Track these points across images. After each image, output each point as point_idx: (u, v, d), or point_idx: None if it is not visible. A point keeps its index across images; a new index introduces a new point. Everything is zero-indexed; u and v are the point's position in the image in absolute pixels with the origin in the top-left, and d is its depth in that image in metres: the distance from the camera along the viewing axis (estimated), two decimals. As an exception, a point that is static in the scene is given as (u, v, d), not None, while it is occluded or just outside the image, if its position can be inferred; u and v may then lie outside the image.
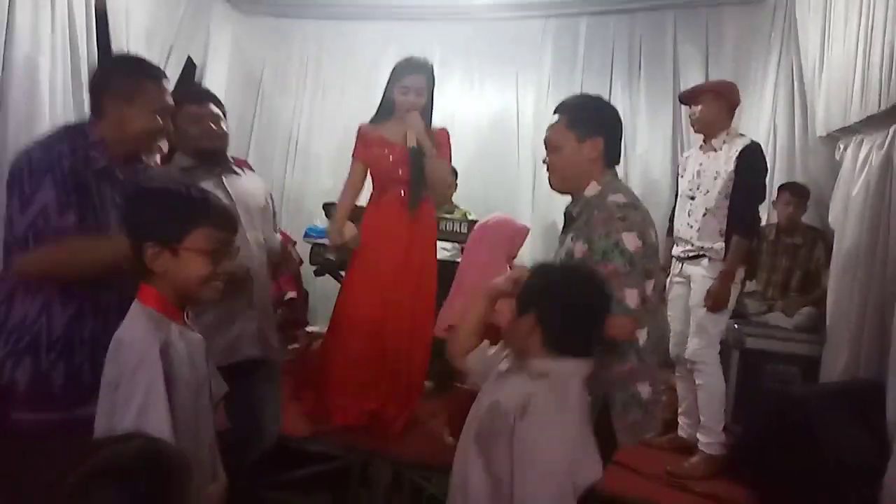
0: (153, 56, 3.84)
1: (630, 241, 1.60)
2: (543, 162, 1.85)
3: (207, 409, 1.36)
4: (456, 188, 4.12)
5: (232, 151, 2.28)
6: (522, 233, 2.92)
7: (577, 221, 1.75)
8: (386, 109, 2.77)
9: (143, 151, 1.79)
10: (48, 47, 3.21)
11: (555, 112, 1.84)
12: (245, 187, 2.15)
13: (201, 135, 2.08)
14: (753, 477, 2.54)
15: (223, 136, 2.14)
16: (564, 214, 1.87)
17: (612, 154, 1.81)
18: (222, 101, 2.21)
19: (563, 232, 1.86)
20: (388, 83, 2.74)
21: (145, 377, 1.20)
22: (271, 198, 2.33)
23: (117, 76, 1.70)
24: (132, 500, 0.83)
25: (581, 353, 1.42)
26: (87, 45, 3.40)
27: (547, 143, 1.83)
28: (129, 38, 3.67)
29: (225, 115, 2.18)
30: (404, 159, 2.71)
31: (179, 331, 1.31)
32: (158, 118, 1.71)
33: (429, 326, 2.82)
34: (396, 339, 2.73)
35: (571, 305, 1.41)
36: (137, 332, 1.25)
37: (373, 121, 2.81)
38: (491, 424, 1.38)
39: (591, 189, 1.76)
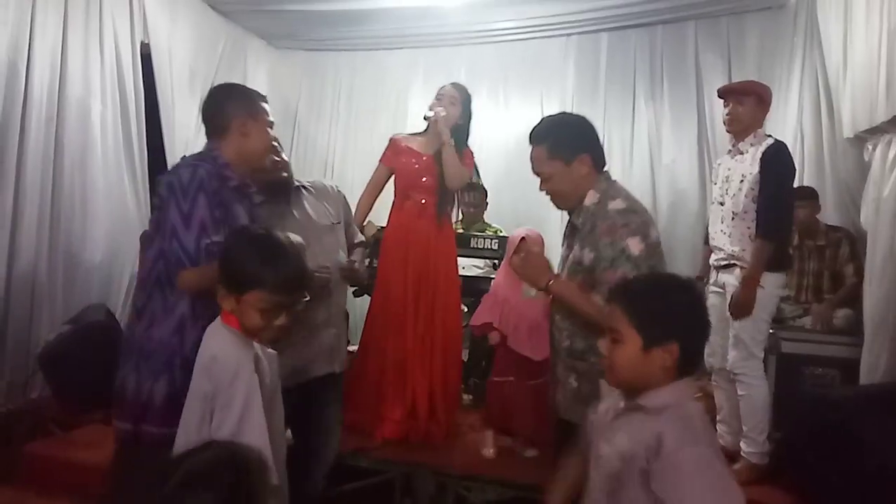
0: (195, 93, 4.07)
1: (634, 245, 1.70)
2: (541, 190, 1.91)
3: (280, 418, 1.49)
4: (487, 207, 4.21)
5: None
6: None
7: (582, 231, 1.83)
8: (426, 129, 2.91)
9: (261, 167, 1.96)
10: (98, 89, 3.43)
11: (531, 141, 1.90)
12: (313, 209, 2.33)
13: (269, 165, 2.18)
14: (795, 482, 2.52)
15: (287, 166, 2.32)
16: (567, 225, 1.94)
17: (599, 161, 1.88)
18: None
19: (567, 240, 1.93)
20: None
21: (243, 387, 1.34)
22: (347, 208, 2.51)
23: (239, 98, 1.88)
24: (218, 501, 0.89)
25: (695, 371, 1.39)
26: (133, 86, 3.62)
27: (535, 173, 1.90)
28: (173, 77, 3.89)
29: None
30: (431, 169, 2.84)
31: (259, 347, 1.45)
32: (270, 133, 1.90)
33: (458, 336, 2.92)
34: (427, 349, 2.82)
35: (706, 322, 1.37)
36: (229, 347, 1.40)
37: (408, 134, 2.97)
38: (619, 476, 1.31)
39: (591, 198, 1.84)
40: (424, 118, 2.84)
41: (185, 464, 0.95)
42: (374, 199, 3.03)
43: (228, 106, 1.85)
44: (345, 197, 2.55)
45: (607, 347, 1.38)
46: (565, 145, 1.84)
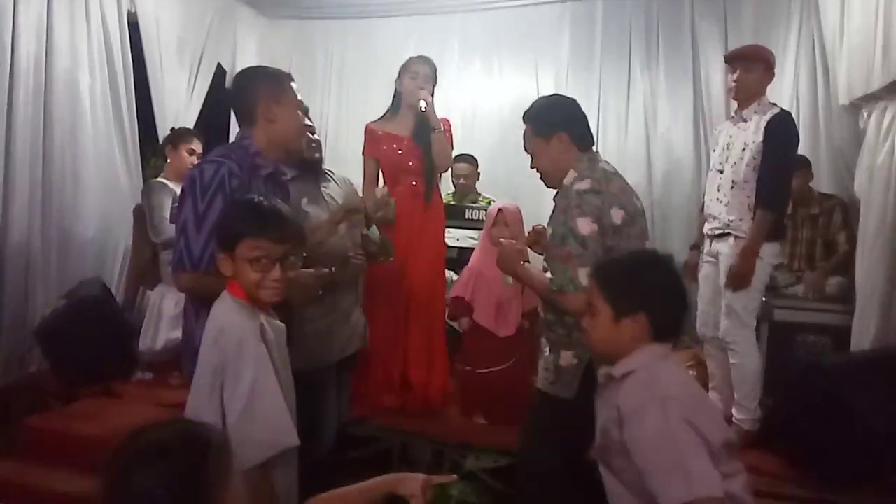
0: (185, 64, 4.01)
1: (584, 225, 1.79)
2: (531, 168, 2.04)
3: (290, 386, 1.52)
4: (479, 177, 4.19)
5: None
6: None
7: (555, 209, 1.93)
8: (395, 104, 2.93)
9: (295, 150, 1.94)
10: (86, 61, 3.38)
11: (523, 121, 2.04)
12: (339, 192, 2.39)
13: (304, 146, 2.21)
14: (786, 447, 2.56)
15: (320, 147, 2.34)
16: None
17: (581, 140, 1.97)
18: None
19: (550, 217, 2.02)
20: (397, 78, 2.89)
21: (252, 354, 1.37)
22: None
23: (261, 82, 1.81)
24: (171, 479, 0.87)
25: (675, 336, 1.49)
26: (122, 57, 3.57)
27: (526, 152, 2.03)
28: (162, 48, 3.83)
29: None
30: (414, 151, 2.85)
31: (266, 318, 1.47)
32: (302, 114, 1.87)
33: (441, 306, 3.03)
34: (416, 321, 2.89)
35: (678, 294, 1.46)
36: (235, 318, 1.42)
37: (380, 118, 2.96)
38: (606, 446, 1.43)
39: (569, 177, 1.93)
40: (421, 109, 2.80)
41: (142, 437, 0.93)
42: (372, 188, 3.03)
43: (250, 92, 1.79)
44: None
45: (586, 320, 1.49)
46: (546, 123, 1.96)
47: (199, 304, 1.68)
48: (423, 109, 2.77)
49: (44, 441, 2.63)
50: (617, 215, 1.82)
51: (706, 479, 1.22)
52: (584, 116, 2.02)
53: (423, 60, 2.89)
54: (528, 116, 2.02)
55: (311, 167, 2.30)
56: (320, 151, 2.35)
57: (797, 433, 2.50)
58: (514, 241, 2.34)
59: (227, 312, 1.44)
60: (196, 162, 3.21)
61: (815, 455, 2.41)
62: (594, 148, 2.04)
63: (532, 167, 2.04)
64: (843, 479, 2.30)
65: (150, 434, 0.94)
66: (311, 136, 2.28)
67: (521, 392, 2.53)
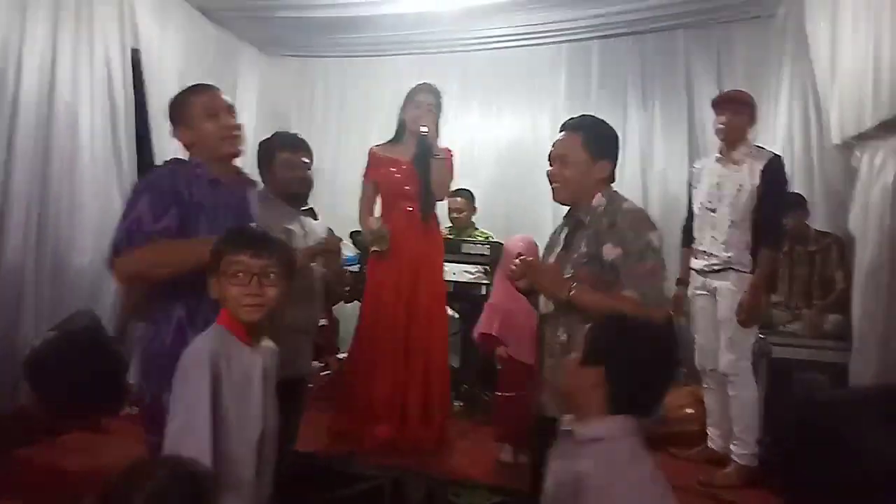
0: (185, 99, 4.06)
1: (656, 238, 1.77)
2: (548, 174, 1.93)
3: (256, 419, 1.47)
4: (475, 211, 4.21)
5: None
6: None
7: (591, 228, 1.83)
8: (399, 132, 2.96)
9: (228, 155, 1.90)
10: (88, 96, 3.43)
11: (565, 127, 1.93)
12: (314, 226, 2.43)
13: (292, 181, 2.34)
14: (784, 485, 2.51)
15: (310, 184, 2.41)
16: (566, 219, 1.96)
17: (613, 175, 1.94)
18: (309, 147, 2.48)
19: (566, 239, 1.92)
20: (402, 106, 2.91)
21: (195, 378, 1.35)
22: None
23: (171, 106, 1.88)
24: None
25: (645, 414, 1.34)
26: (123, 92, 3.62)
27: (556, 156, 1.90)
28: (163, 85, 3.86)
29: (311, 160, 2.44)
30: (412, 176, 2.86)
31: (240, 346, 1.46)
32: (221, 119, 1.84)
33: (444, 340, 2.96)
34: (416, 354, 2.83)
35: (645, 362, 1.31)
36: (199, 342, 1.43)
37: (383, 143, 2.97)
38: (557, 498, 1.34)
39: (598, 199, 1.86)
40: (422, 132, 2.83)
41: (138, 488, 0.97)
42: (368, 215, 3.04)
43: (173, 114, 1.86)
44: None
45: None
46: (600, 143, 1.89)
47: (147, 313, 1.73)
48: (425, 133, 2.79)
49: (33, 474, 2.58)
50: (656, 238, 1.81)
51: None
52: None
53: (428, 89, 2.92)
54: (577, 126, 1.91)
55: (294, 200, 2.37)
56: (308, 188, 2.40)
57: (796, 471, 2.46)
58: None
59: (200, 338, 1.44)
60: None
61: (814, 493, 2.35)
62: None
63: (552, 172, 1.91)
64: (843, 520, 2.24)
65: (149, 484, 0.98)
66: (303, 175, 2.38)
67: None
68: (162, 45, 3.88)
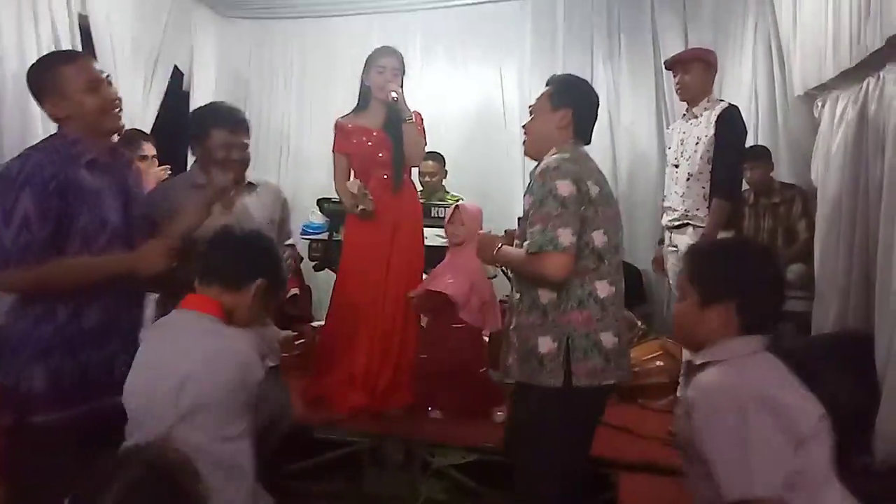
0: (139, 66, 3.92)
1: (563, 187, 1.73)
2: (522, 128, 2.00)
3: None
4: (445, 175, 4.18)
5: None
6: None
7: (531, 183, 1.86)
8: (363, 99, 2.87)
9: (109, 128, 1.80)
10: (36, 66, 3.27)
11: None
12: (254, 205, 2.24)
13: (225, 162, 2.13)
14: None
15: (245, 165, 2.22)
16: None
17: (580, 129, 1.93)
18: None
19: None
20: (364, 72, 2.84)
21: None
22: (284, 208, 2.42)
23: (37, 75, 1.74)
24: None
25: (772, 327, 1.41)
26: (74, 60, 3.45)
27: (530, 111, 1.99)
28: (115, 51, 3.73)
29: (249, 139, 2.25)
30: (384, 143, 2.81)
31: None
32: (101, 91, 1.73)
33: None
34: (391, 321, 2.83)
35: (772, 286, 1.41)
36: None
37: (349, 114, 2.91)
38: (684, 434, 1.38)
39: (550, 154, 1.88)
40: (392, 99, 2.75)
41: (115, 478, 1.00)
42: (345, 183, 2.94)
43: (47, 82, 1.71)
44: (285, 198, 2.46)
45: (675, 305, 1.46)
46: (560, 93, 1.92)
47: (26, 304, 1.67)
48: (395, 100, 2.73)
49: None
50: (593, 189, 1.78)
51: (767, 478, 1.19)
52: (595, 113, 1.98)
53: (390, 52, 2.83)
54: (552, 80, 1.99)
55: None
56: (242, 170, 2.21)
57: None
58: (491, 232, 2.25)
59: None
60: (148, 167, 3.14)
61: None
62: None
63: (523, 128, 2.02)
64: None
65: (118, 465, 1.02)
66: (237, 156, 2.16)
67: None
68: (111, 10, 3.70)
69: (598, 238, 1.78)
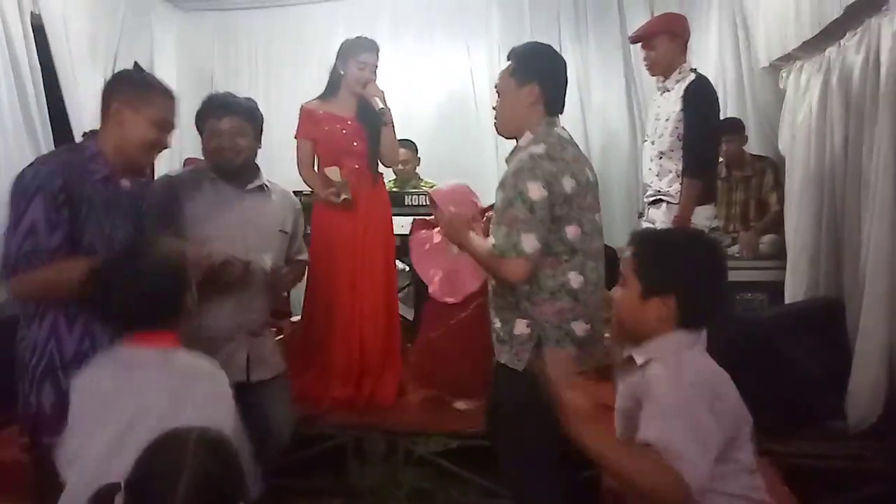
0: (98, 64, 3.81)
1: (534, 190, 1.68)
2: (493, 108, 1.91)
3: None
4: (419, 162, 4.15)
5: (192, 149, 2.25)
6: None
7: (507, 172, 1.81)
8: (333, 86, 2.79)
9: (138, 162, 1.79)
10: (-12, 68, 3.17)
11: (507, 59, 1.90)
12: (265, 209, 2.17)
13: (214, 151, 2.08)
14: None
15: (239, 153, 2.09)
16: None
17: (551, 102, 1.84)
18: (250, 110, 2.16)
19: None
20: (338, 59, 2.76)
21: None
22: (297, 221, 2.31)
23: (128, 84, 1.71)
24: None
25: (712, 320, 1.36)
26: (28, 61, 3.35)
27: (496, 89, 1.90)
28: (71, 49, 3.62)
29: (252, 126, 2.14)
30: (359, 133, 2.75)
31: None
32: (158, 131, 1.71)
33: (395, 295, 2.95)
34: (370, 312, 2.80)
35: (713, 279, 1.36)
36: None
37: (316, 99, 2.83)
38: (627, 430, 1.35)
39: (525, 139, 1.83)
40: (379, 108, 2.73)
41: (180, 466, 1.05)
42: (314, 170, 2.88)
43: (110, 91, 1.70)
44: (300, 210, 2.37)
45: (616, 291, 1.41)
46: (523, 68, 1.83)
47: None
48: (382, 111, 2.71)
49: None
50: (568, 184, 1.74)
51: (696, 464, 1.15)
52: (565, 81, 1.88)
53: (372, 47, 2.73)
54: (512, 54, 1.87)
55: (227, 173, 2.10)
56: (237, 158, 2.08)
57: (736, 385, 2.57)
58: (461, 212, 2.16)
59: None
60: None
61: (753, 405, 2.47)
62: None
63: (493, 108, 1.92)
64: (781, 427, 2.36)
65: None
66: (227, 144, 2.06)
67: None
68: (65, 7, 3.59)
69: (572, 231, 1.75)
